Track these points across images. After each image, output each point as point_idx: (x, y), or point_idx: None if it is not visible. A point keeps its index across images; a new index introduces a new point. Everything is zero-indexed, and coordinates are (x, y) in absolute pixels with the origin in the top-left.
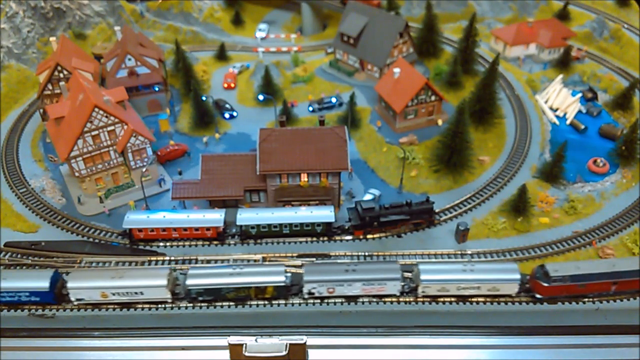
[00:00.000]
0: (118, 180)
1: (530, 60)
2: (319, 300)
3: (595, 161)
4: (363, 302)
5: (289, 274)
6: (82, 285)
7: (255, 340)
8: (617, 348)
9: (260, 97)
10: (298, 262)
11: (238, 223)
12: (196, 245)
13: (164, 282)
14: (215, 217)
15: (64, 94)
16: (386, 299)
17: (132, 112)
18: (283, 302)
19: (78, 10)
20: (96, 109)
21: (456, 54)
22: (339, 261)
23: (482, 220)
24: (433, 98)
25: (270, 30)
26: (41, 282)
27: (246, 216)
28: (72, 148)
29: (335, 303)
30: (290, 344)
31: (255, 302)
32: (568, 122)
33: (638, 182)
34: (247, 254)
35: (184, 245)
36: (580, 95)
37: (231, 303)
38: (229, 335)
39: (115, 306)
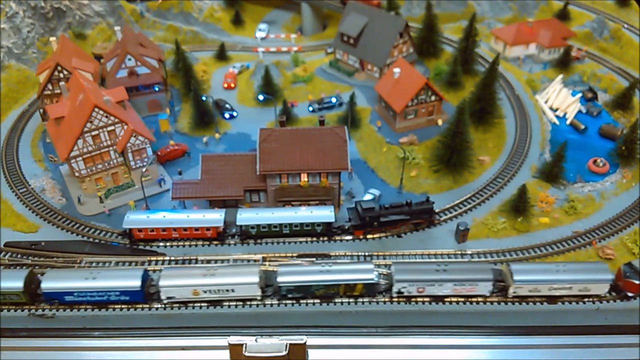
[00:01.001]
0: (118, 180)
1: (530, 60)
2: (318, 301)
3: (595, 161)
4: (363, 303)
5: (376, 272)
6: (175, 283)
7: (255, 340)
8: (617, 348)
9: (260, 97)
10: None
11: (238, 223)
12: (196, 245)
13: (256, 279)
14: (215, 217)
15: (64, 94)
16: (384, 300)
17: (132, 112)
18: (283, 302)
19: (78, 10)
20: (96, 109)
21: (456, 54)
22: (427, 260)
23: (482, 220)
24: (433, 98)
25: (270, 30)
26: (133, 281)
27: (246, 216)
28: (72, 148)
29: (335, 303)
30: (290, 344)
31: (254, 303)
32: (568, 122)
33: (638, 182)
34: (247, 254)
35: (184, 245)
36: (580, 95)
37: (231, 303)
38: (229, 335)
39: (204, 304)
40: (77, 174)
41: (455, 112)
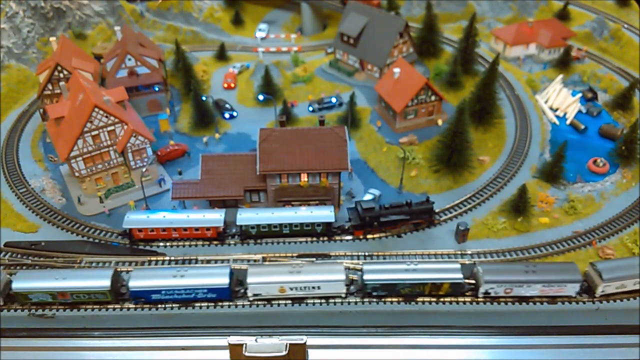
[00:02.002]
0: (118, 180)
1: (530, 60)
2: (318, 301)
3: (595, 161)
4: (363, 303)
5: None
6: (262, 280)
7: (255, 340)
8: (617, 348)
9: (260, 97)
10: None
11: (238, 223)
12: (196, 245)
13: (343, 276)
14: (215, 217)
15: (64, 94)
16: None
17: (132, 112)
18: (283, 302)
19: (78, 10)
20: (96, 109)
21: (456, 54)
22: (514, 261)
23: (482, 220)
24: (433, 98)
25: (270, 30)
26: (221, 278)
27: (246, 216)
28: (72, 148)
29: (335, 303)
30: (290, 344)
31: (255, 303)
32: (568, 122)
33: (638, 182)
34: (247, 254)
35: (184, 245)
36: (580, 95)
37: (231, 303)
38: (229, 335)
39: (289, 301)
40: (77, 174)
41: (455, 112)
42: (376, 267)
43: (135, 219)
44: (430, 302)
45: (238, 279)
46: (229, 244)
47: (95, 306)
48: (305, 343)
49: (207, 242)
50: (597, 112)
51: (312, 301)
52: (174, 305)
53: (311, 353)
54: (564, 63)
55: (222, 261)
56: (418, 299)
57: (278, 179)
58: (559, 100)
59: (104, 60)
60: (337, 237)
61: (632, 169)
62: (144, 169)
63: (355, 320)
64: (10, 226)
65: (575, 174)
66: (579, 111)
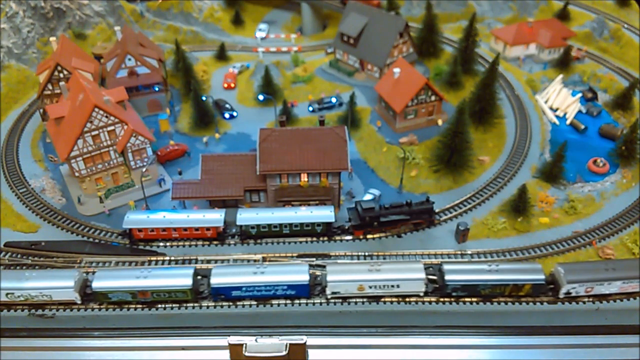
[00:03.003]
0: (118, 180)
1: (530, 60)
2: (318, 301)
3: (595, 161)
4: (363, 303)
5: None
6: (342, 278)
7: (255, 340)
8: (617, 348)
9: (260, 97)
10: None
11: (238, 223)
12: (196, 245)
13: (423, 275)
14: (215, 217)
15: (64, 94)
16: (385, 299)
17: (132, 112)
18: (283, 302)
19: (78, 10)
20: (96, 109)
21: (456, 54)
22: (593, 260)
23: (482, 220)
24: (433, 98)
25: (270, 30)
26: (301, 275)
27: (246, 216)
28: (72, 148)
29: (335, 303)
30: (290, 344)
31: (255, 302)
32: (568, 122)
33: (638, 182)
34: (247, 254)
35: (184, 245)
36: (580, 95)
37: (230, 303)
38: (229, 335)
39: (366, 299)
40: (77, 174)
41: (455, 112)
42: (458, 267)
43: (135, 219)
44: (430, 302)
45: (316, 277)
46: (229, 244)
47: (174, 304)
48: (305, 343)
49: (207, 242)
50: (597, 112)
51: (312, 301)
52: (173, 305)
53: (311, 353)
54: (564, 63)
55: (222, 261)
56: (418, 299)
57: (278, 179)
58: (559, 100)
59: (104, 60)
60: (337, 237)
61: (632, 169)
62: (144, 169)
63: (355, 320)
64: (10, 226)
65: (575, 174)
66: (579, 111)
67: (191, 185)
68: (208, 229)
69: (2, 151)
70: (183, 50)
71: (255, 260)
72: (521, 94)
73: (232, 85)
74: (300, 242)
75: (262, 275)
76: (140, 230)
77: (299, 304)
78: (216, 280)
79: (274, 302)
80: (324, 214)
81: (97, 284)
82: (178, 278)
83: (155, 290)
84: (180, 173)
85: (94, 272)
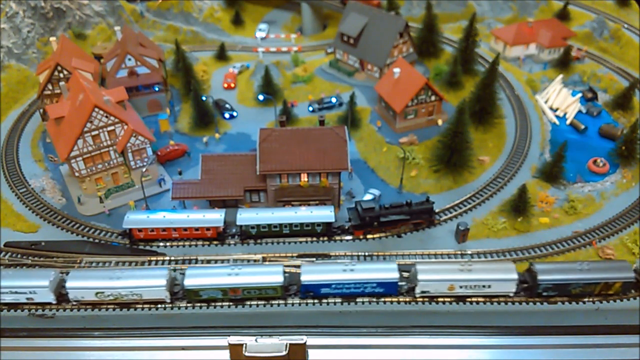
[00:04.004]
0: (118, 180)
1: (530, 60)
2: (318, 301)
3: (595, 161)
4: (363, 302)
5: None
6: (433, 277)
7: (255, 340)
8: (617, 348)
9: (260, 97)
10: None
11: (238, 223)
12: (196, 245)
13: (515, 275)
14: (215, 217)
15: (64, 94)
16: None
17: (132, 112)
18: (283, 302)
19: (78, 10)
20: (96, 109)
21: (456, 54)
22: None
23: (482, 220)
24: (433, 98)
25: (270, 30)
26: (390, 273)
27: (246, 216)
28: (72, 148)
29: (335, 303)
30: (290, 344)
31: (254, 302)
32: (568, 122)
33: (638, 182)
34: (247, 254)
35: (184, 245)
36: (580, 95)
37: (230, 303)
38: (229, 335)
39: (424, 299)
40: (77, 174)
41: (455, 112)
42: (549, 266)
43: (135, 219)
44: (430, 302)
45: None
46: (229, 244)
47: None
48: (305, 343)
49: (207, 242)
50: (597, 112)
51: (312, 301)
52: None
53: (311, 353)
54: (564, 63)
55: (223, 261)
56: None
57: (278, 179)
58: (559, 100)
59: (104, 60)
60: (337, 237)
61: (632, 169)
62: (144, 169)
63: (354, 320)
64: (10, 226)
65: (575, 174)
66: (579, 111)
67: (191, 185)
68: (208, 229)
69: (2, 151)
70: (183, 50)
71: (255, 260)
72: (521, 94)
73: (232, 85)
74: (300, 242)
75: (352, 273)
76: (140, 230)
77: (299, 304)
78: (307, 277)
79: (274, 302)
80: (324, 214)
81: (189, 281)
82: (269, 275)
83: (246, 287)
84: (180, 173)
85: (180, 271)
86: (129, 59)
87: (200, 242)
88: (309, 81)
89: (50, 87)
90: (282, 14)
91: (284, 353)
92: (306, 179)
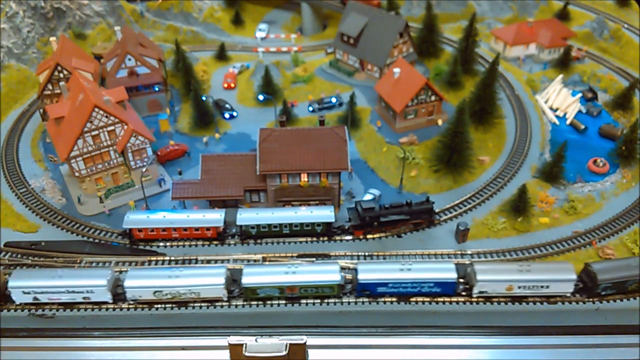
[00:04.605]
0: (118, 180)
1: (530, 60)
2: (318, 301)
3: (595, 161)
4: (363, 302)
5: None
6: (492, 278)
7: (255, 340)
8: (617, 348)
9: (260, 97)
10: None
11: (238, 223)
12: (196, 245)
13: (573, 276)
14: (215, 217)
15: (64, 94)
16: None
17: (132, 112)
18: (283, 302)
19: (78, 10)
20: (96, 109)
21: (456, 54)
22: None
23: (482, 220)
24: (433, 98)
25: (270, 30)
26: (448, 273)
27: (246, 216)
28: (72, 148)
29: (335, 303)
30: (290, 344)
31: (254, 302)
32: (568, 122)
33: (638, 182)
34: (247, 254)
35: (184, 245)
36: (580, 95)
37: (229, 303)
38: (229, 335)
39: (508, 299)
40: (77, 174)
41: (455, 112)
42: (605, 265)
43: (135, 219)
44: (430, 302)
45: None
46: (229, 244)
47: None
48: (305, 343)
49: (207, 242)
50: (597, 112)
51: (311, 301)
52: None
53: (311, 353)
54: (564, 63)
55: (222, 261)
56: (418, 299)
57: (278, 179)
58: (559, 100)
59: (104, 60)
60: (337, 237)
61: (632, 169)
62: (144, 169)
63: (354, 320)
64: (10, 226)
65: (575, 174)
66: (579, 111)
67: (191, 185)
68: (208, 229)
69: (2, 151)
70: (183, 50)
71: (255, 261)
72: (521, 94)
73: (232, 85)
74: (300, 242)
75: (409, 272)
76: (140, 230)
77: (299, 304)
78: (363, 276)
79: (274, 302)
80: (324, 214)
81: (247, 279)
82: (327, 274)
83: (304, 285)
84: (180, 173)
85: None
86: (129, 59)
87: (200, 242)
88: (309, 81)
89: (50, 87)
90: (282, 14)
91: (284, 353)
92: (306, 179)
